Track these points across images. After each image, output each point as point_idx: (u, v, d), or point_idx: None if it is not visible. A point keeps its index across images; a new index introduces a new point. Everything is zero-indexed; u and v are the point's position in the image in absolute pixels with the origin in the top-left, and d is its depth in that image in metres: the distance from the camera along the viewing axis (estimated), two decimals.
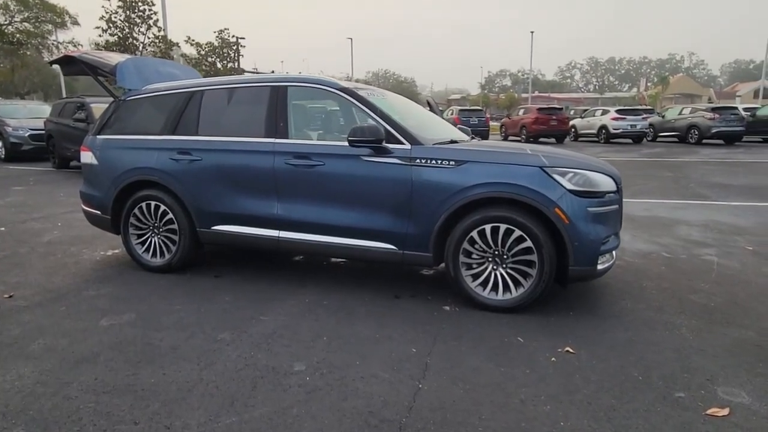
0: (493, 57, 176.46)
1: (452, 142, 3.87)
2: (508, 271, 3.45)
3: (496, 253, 3.45)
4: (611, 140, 21.69)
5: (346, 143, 3.61)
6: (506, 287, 3.45)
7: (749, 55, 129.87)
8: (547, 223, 3.32)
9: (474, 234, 3.44)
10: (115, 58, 4.84)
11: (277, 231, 3.93)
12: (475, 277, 3.52)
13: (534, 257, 3.34)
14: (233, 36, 33.43)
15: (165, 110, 4.38)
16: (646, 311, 3.51)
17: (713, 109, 19.92)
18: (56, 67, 5.45)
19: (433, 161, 3.48)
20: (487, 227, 3.40)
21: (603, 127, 21.35)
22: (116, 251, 5.08)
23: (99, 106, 11.25)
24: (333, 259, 4.76)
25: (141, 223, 4.41)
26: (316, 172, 3.75)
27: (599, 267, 3.35)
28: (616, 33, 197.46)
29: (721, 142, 20.04)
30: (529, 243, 3.33)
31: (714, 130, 19.19)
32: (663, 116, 22.73)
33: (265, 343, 3.01)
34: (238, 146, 4.02)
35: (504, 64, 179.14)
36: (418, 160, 3.51)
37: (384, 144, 3.56)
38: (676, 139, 21.39)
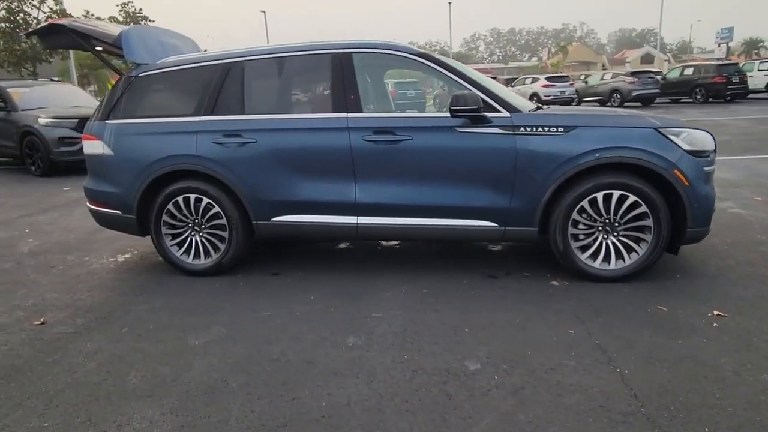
0: (401, 30, 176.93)
1: (538, 108, 3.64)
2: (620, 239, 3.32)
3: (607, 221, 3.30)
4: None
5: (437, 114, 3.27)
6: (618, 256, 3.32)
7: (632, 23, 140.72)
8: (661, 186, 3.20)
9: (584, 203, 3.26)
10: (110, 27, 4.06)
11: (355, 217, 3.51)
12: (584, 248, 3.36)
13: (648, 222, 3.23)
14: (139, 9, 30.48)
15: (196, 87, 3.73)
16: (744, 267, 3.54)
17: (632, 74, 21.25)
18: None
19: (540, 129, 3.24)
20: (599, 195, 3.23)
21: (534, 94, 22.07)
22: (127, 255, 4.37)
23: (17, 91, 9.77)
24: (383, 243, 4.40)
25: (177, 220, 3.78)
26: (402, 148, 3.37)
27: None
28: (514, 4, 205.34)
29: (638, 104, 21.48)
30: (644, 208, 3.21)
31: (634, 93, 20.51)
32: (586, 82, 23.93)
33: (408, 343, 2.66)
34: (304, 124, 3.51)
35: (413, 36, 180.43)
36: (522, 129, 3.25)
37: (483, 113, 3.25)
38: (598, 104, 22.64)
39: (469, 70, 3.68)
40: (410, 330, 2.81)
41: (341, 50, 3.53)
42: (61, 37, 4.00)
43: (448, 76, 3.41)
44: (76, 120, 8.75)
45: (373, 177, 3.44)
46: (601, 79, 22.75)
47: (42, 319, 3.13)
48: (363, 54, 3.55)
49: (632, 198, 3.21)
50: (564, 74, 27.82)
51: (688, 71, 21.78)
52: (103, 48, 4.01)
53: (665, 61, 55.92)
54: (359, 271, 3.76)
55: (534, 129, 3.24)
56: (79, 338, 2.87)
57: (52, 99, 9.81)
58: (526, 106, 3.54)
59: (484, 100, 3.27)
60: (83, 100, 10.32)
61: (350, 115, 3.44)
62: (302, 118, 3.55)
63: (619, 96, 20.94)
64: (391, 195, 3.44)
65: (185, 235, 3.80)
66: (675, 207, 3.21)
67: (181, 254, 3.80)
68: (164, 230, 3.78)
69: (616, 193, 3.22)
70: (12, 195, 7.22)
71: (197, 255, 3.79)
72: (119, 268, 4.07)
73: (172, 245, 3.81)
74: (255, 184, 3.56)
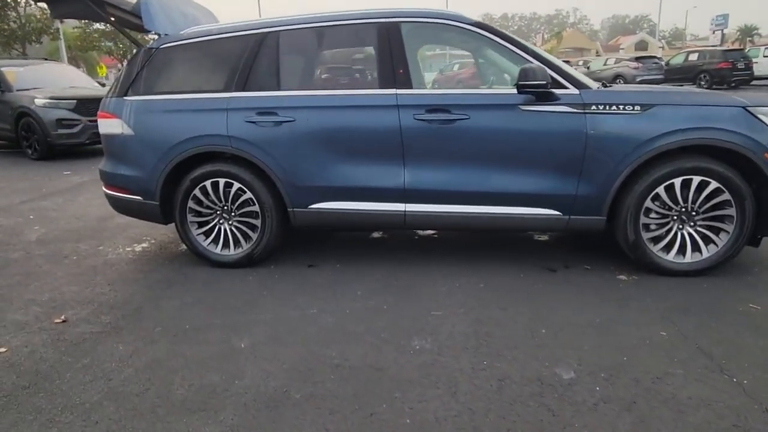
0: None
1: (604, 85, 3.33)
2: (698, 229, 3.04)
3: (683, 210, 3.02)
4: None
5: (499, 90, 2.95)
6: (694, 248, 3.04)
7: (625, 10, 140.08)
8: (745, 171, 2.92)
9: (660, 190, 2.97)
10: None
11: (403, 204, 3.20)
12: (656, 240, 3.08)
13: (731, 211, 2.95)
14: None
15: (225, 60, 3.38)
16: None
17: (636, 59, 20.95)
18: (42, 5, 4.09)
19: (614, 107, 2.93)
20: (677, 181, 2.94)
21: None
22: (144, 245, 4.04)
23: (11, 70, 9.28)
24: (419, 233, 4.10)
25: (204, 207, 3.44)
26: (458, 127, 3.05)
27: None
28: None
29: None
30: (726, 195, 2.93)
31: (638, 79, 20.23)
32: (588, 68, 23.61)
33: (482, 346, 2.38)
34: (347, 101, 3.18)
35: None
36: (593, 107, 2.94)
37: (550, 89, 2.94)
38: None
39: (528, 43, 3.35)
40: (480, 331, 2.52)
41: (388, 19, 3.19)
42: (74, 3, 3.63)
43: (510, 49, 3.09)
44: (75, 101, 8.33)
45: (425, 160, 3.13)
46: (604, 64, 22.47)
47: (63, 317, 2.80)
48: (412, 24, 3.21)
49: (714, 184, 2.92)
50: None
51: (693, 57, 21.50)
52: (119, 18, 3.63)
53: (659, 48, 55.65)
54: (401, 262, 3.46)
55: (607, 107, 2.93)
56: (108, 339, 2.55)
57: (49, 79, 9.33)
58: (592, 83, 3.24)
59: (550, 75, 2.96)
60: (81, 81, 9.87)
61: (400, 91, 3.11)
62: (346, 95, 3.22)
63: (622, 81, 20.64)
64: (444, 180, 3.13)
65: (213, 223, 3.47)
66: (757, 194, 2.93)
67: (209, 244, 3.48)
68: (190, 218, 3.45)
69: (696, 179, 2.93)
70: (10, 179, 6.81)
71: (226, 245, 3.47)
72: (138, 258, 3.74)
73: (198, 234, 3.48)
74: (292, 168, 3.23)
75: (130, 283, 3.27)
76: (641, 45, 71.17)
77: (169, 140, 3.33)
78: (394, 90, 3.11)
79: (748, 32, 62.28)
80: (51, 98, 8.24)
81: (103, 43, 31.37)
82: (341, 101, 3.19)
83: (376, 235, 4.14)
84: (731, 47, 26.06)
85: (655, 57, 22.10)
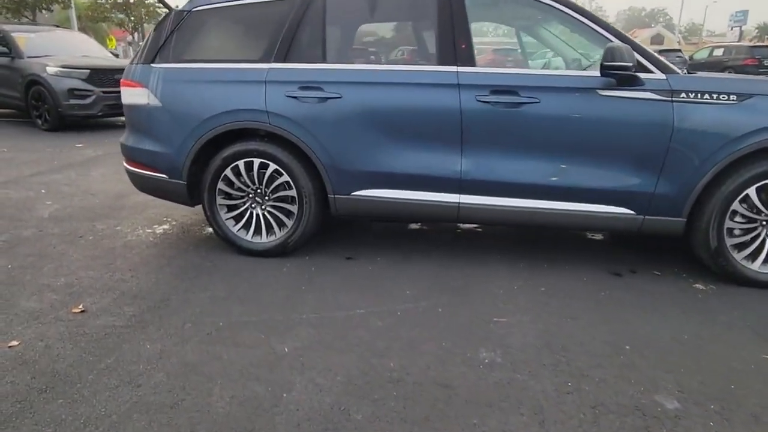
0: None
1: (689, 72, 2.98)
2: None
3: None
4: None
5: (577, 72, 2.62)
6: None
7: (642, 2, 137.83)
8: None
9: (750, 191, 2.65)
10: None
11: (458, 195, 2.89)
12: (740, 247, 2.76)
13: None
14: None
15: (265, 26, 3.04)
16: None
17: (659, 52, 20.35)
18: None
19: (707, 95, 2.59)
20: None
21: None
22: (165, 227, 3.74)
23: (22, 36, 8.91)
24: (461, 226, 3.78)
25: (235, 189, 3.14)
26: (526, 112, 2.72)
27: None
28: None
29: None
30: None
31: None
32: None
33: (561, 363, 2.08)
34: (402, 78, 2.85)
35: None
36: (683, 94, 2.60)
37: (635, 72, 2.60)
38: None
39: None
40: (555, 344, 2.22)
41: None
42: None
43: (588, 25, 2.75)
44: (88, 71, 7.98)
45: (486, 147, 2.81)
46: None
47: (81, 306, 2.52)
48: None
49: None
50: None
51: (718, 52, 20.91)
52: None
53: (676, 42, 54.63)
54: (448, 258, 3.16)
55: (698, 95, 2.60)
56: (133, 335, 2.27)
57: (61, 47, 8.95)
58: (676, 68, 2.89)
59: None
60: (94, 50, 9.49)
61: (461, 69, 2.78)
62: (400, 71, 2.88)
63: None
64: (506, 170, 2.81)
65: (244, 207, 3.17)
66: None
67: (239, 230, 3.18)
68: (219, 200, 3.15)
69: None
70: (19, 150, 6.51)
71: (257, 231, 3.17)
72: (160, 242, 3.45)
73: (227, 218, 3.18)
74: (336, 150, 2.92)
75: (154, 270, 2.98)
76: (657, 39, 69.97)
77: (201, 114, 3.01)
78: (455, 67, 2.78)
79: (766, 30, 61.25)
80: (63, 66, 7.89)
81: (114, 15, 30.78)
82: (394, 77, 2.86)
83: (414, 226, 3.83)
84: (756, 44, 25.34)
85: (678, 50, 21.48)
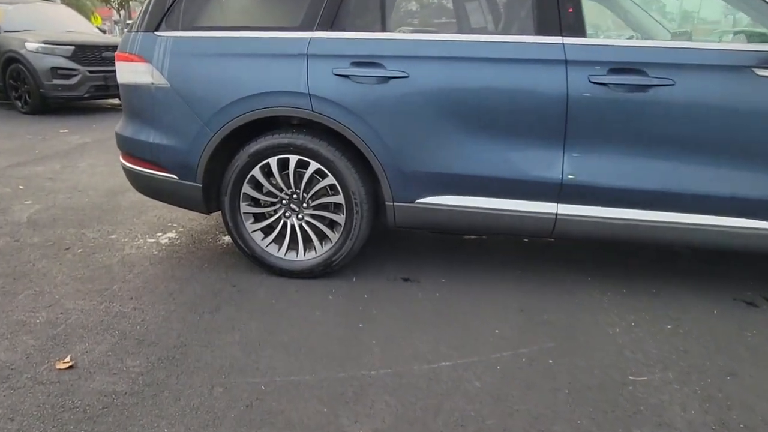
0: None
1: None
2: None
3: None
4: None
5: (725, 45, 1.97)
6: None
7: None
8: None
9: None
10: None
11: (555, 204, 2.24)
12: None
13: None
14: None
15: None
16: None
17: None
18: None
19: None
20: None
21: None
22: (171, 235, 3.07)
23: (4, 7, 8.04)
24: (529, 239, 3.14)
25: (264, 194, 2.47)
26: (656, 97, 2.07)
27: None
28: None
29: None
30: None
31: None
32: None
33: None
34: (487, 51, 2.17)
35: None
36: None
37: None
38: None
39: None
40: (730, 421, 1.61)
41: None
42: None
43: None
44: (72, 47, 7.18)
45: (598, 143, 2.16)
46: None
47: (68, 358, 1.86)
48: None
49: None
50: None
51: None
52: None
53: None
54: (532, 280, 2.53)
55: None
56: (142, 408, 1.61)
57: (42, 21, 8.11)
58: None
59: None
60: (79, 25, 8.65)
61: (568, 40, 2.11)
62: (485, 42, 2.20)
63: None
64: (626, 174, 2.16)
65: (276, 216, 2.50)
66: None
67: (268, 244, 2.51)
68: (244, 207, 2.48)
69: None
70: None
71: (292, 247, 2.50)
72: (167, 256, 2.77)
73: (254, 230, 2.51)
74: (400, 145, 2.25)
75: (162, 299, 2.31)
76: None
77: (221, 97, 2.32)
78: (560, 38, 2.11)
79: None
80: (45, 42, 7.08)
81: None
82: (478, 51, 2.18)
83: (466, 237, 3.18)
84: None
85: None
